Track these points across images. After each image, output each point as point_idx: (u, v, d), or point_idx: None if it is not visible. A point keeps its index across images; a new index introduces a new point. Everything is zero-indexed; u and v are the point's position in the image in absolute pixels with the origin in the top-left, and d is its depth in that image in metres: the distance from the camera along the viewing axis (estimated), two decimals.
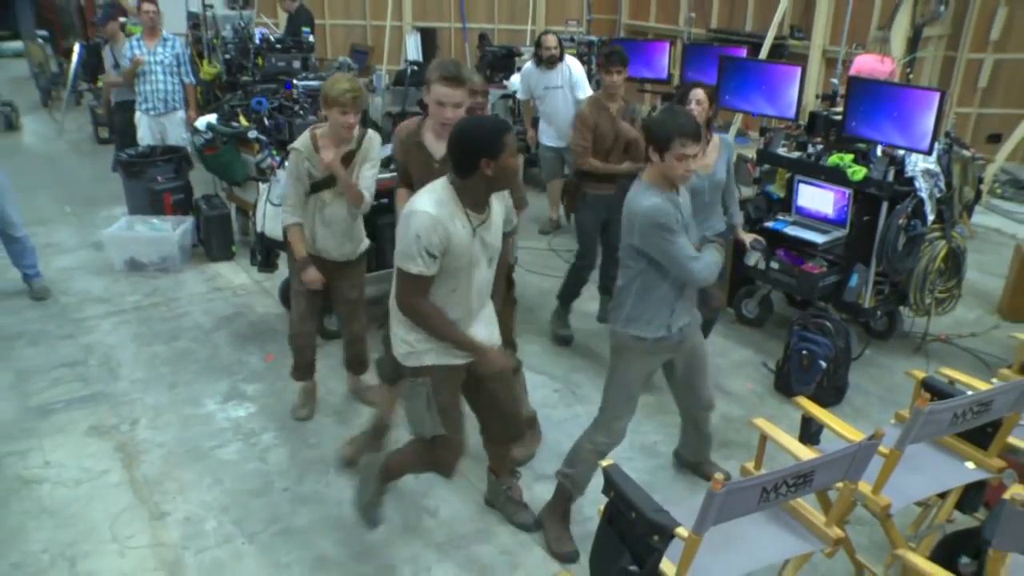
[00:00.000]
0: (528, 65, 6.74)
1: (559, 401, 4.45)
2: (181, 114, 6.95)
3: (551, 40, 6.47)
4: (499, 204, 2.97)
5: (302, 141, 3.77)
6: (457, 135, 2.72)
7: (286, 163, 4.12)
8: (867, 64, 6.57)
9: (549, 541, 3.37)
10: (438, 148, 3.47)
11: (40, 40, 12.75)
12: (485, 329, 3.05)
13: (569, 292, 5.11)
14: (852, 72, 6.31)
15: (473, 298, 2.92)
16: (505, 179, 2.79)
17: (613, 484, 2.48)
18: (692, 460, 3.85)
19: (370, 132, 3.91)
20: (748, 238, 4.48)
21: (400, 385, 3.05)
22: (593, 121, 4.70)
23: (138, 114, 6.88)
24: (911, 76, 7.27)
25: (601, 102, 4.78)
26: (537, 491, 3.69)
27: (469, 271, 2.85)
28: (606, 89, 4.78)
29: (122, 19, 8.52)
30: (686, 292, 3.19)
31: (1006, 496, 2.17)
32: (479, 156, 2.67)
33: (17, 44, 15.08)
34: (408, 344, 2.93)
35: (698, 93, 4.10)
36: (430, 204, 2.70)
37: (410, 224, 2.69)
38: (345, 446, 3.86)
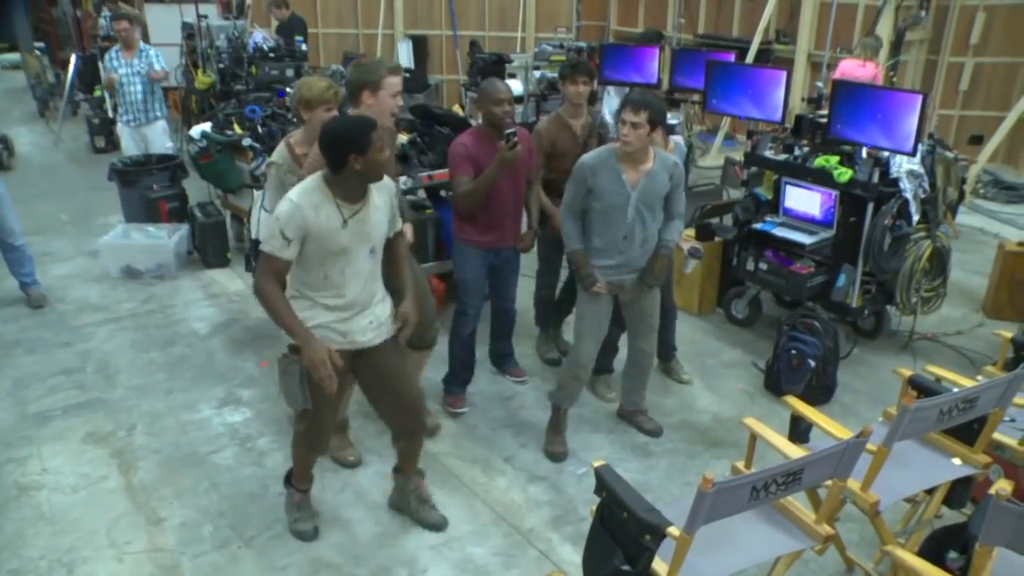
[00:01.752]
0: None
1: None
2: (162, 124, 7.02)
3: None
4: (383, 199, 3.08)
5: (279, 154, 3.67)
6: (325, 133, 2.90)
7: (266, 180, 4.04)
8: (848, 68, 6.66)
9: (544, 444, 4.04)
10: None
11: (37, 52, 12.78)
12: (369, 319, 3.11)
13: (543, 314, 4.97)
14: (836, 76, 6.40)
15: (351, 286, 3.02)
16: (374, 173, 2.94)
17: (605, 484, 2.52)
18: (627, 408, 4.27)
19: None
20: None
21: (279, 361, 3.12)
22: (550, 140, 4.36)
23: (119, 126, 7.01)
24: (894, 79, 7.37)
25: (563, 119, 4.42)
26: (532, 491, 3.75)
27: (343, 259, 2.97)
28: (570, 100, 4.39)
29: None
30: (623, 254, 3.72)
31: (992, 491, 2.21)
32: (347, 152, 2.84)
33: (14, 56, 15.10)
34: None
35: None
36: (295, 193, 2.92)
37: (277, 208, 2.94)
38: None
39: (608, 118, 4.93)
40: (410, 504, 3.55)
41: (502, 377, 4.72)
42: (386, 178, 3.08)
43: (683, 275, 5.33)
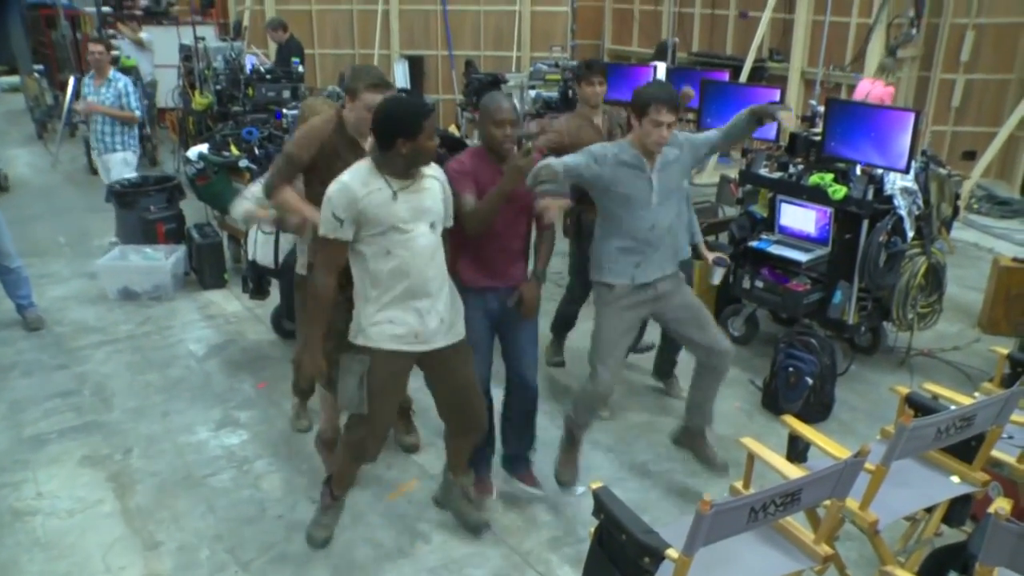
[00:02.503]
0: None
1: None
2: (121, 155, 6.86)
3: None
4: (435, 183, 3.10)
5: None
6: (378, 112, 2.92)
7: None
8: (864, 87, 6.73)
9: (556, 469, 3.80)
10: None
11: (36, 74, 12.82)
12: (439, 319, 3.10)
13: (561, 324, 5.01)
14: (857, 96, 6.47)
15: (418, 265, 3.01)
16: (422, 159, 2.96)
17: (603, 506, 2.51)
18: (692, 425, 3.92)
19: None
20: (711, 256, 4.31)
21: (343, 358, 3.11)
22: (571, 134, 4.32)
23: (94, 154, 7.06)
24: None
25: (583, 114, 4.44)
26: (530, 512, 3.73)
27: (402, 236, 2.96)
28: (587, 101, 4.41)
29: (114, 52, 8.60)
30: (653, 245, 3.46)
31: (991, 510, 2.20)
32: (396, 135, 2.87)
33: (13, 79, 15.15)
34: (356, 320, 3.09)
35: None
36: (345, 174, 2.97)
37: (327, 191, 2.96)
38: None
39: None
40: (454, 501, 3.56)
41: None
42: (434, 167, 3.11)
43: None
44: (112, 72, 6.79)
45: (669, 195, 3.50)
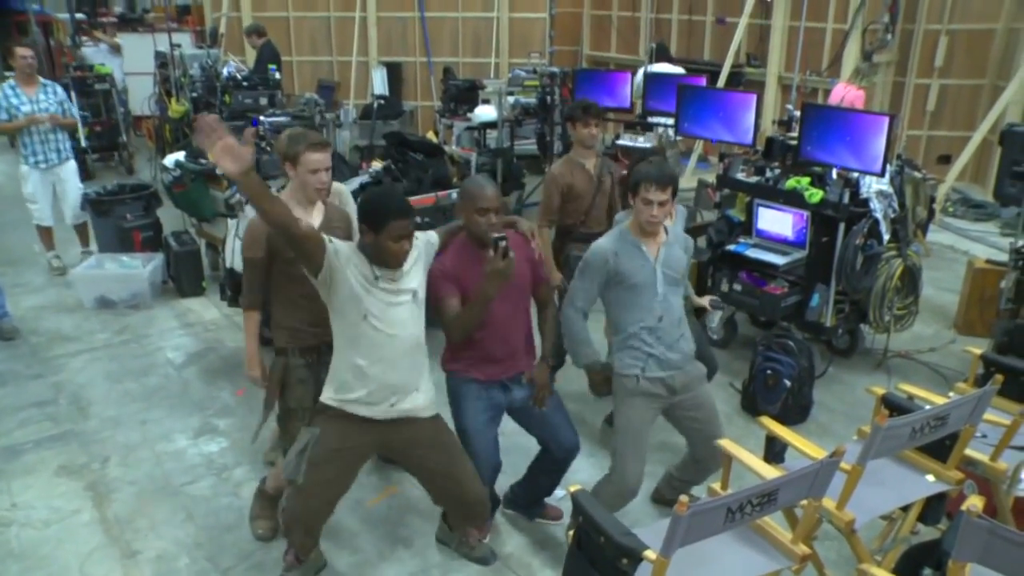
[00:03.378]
0: None
1: None
2: (73, 163, 6.62)
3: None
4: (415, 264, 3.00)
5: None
6: (361, 197, 2.95)
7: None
8: (839, 91, 6.83)
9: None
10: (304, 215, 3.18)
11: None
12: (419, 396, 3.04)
13: (559, 354, 4.66)
14: (832, 100, 6.56)
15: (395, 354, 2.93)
16: (379, 257, 2.85)
17: (581, 508, 2.52)
18: (669, 497, 3.75)
19: (336, 185, 3.72)
20: (706, 300, 4.12)
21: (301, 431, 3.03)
22: (566, 182, 4.35)
23: (25, 168, 6.37)
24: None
25: (575, 160, 4.43)
26: (510, 516, 3.73)
27: (373, 326, 2.87)
28: (583, 143, 4.41)
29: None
30: (662, 339, 3.23)
31: (963, 507, 2.24)
32: (362, 222, 2.85)
33: None
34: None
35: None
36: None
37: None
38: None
39: None
40: (454, 543, 3.48)
41: None
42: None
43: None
44: (42, 79, 6.46)
45: (675, 283, 3.30)
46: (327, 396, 2.99)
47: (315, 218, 3.27)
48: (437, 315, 3.14)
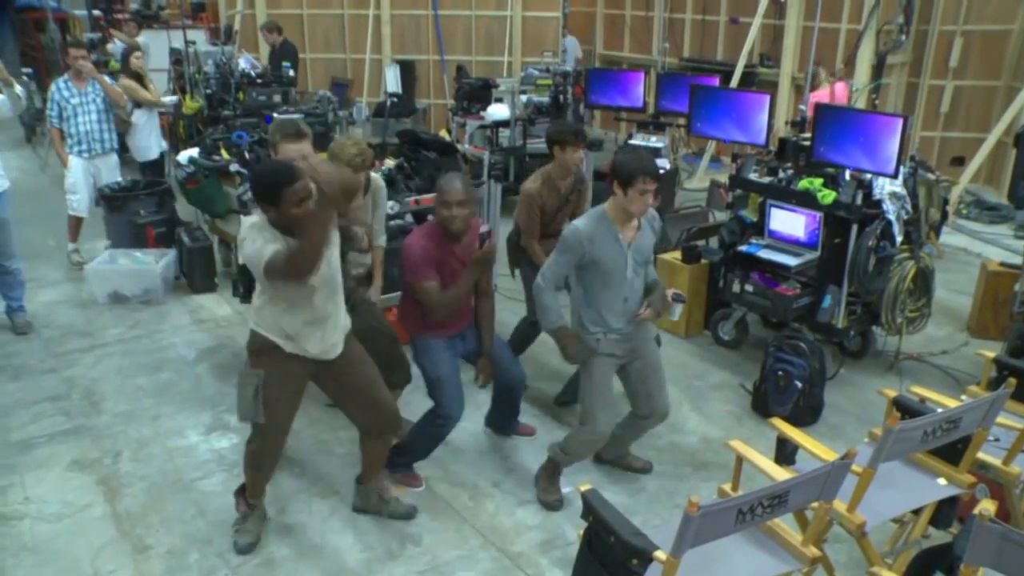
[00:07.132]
0: None
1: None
2: (115, 158, 6.83)
3: None
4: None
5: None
6: (248, 181, 3.05)
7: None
8: (821, 97, 6.80)
9: (538, 492, 3.84)
10: None
11: (25, 77, 12.79)
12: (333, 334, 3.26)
13: (518, 345, 4.79)
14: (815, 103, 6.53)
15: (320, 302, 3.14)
16: (287, 224, 2.96)
17: (592, 509, 2.52)
18: (611, 459, 4.09)
19: (374, 176, 3.99)
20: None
21: (239, 373, 3.28)
22: (542, 202, 4.44)
23: (71, 158, 6.64)
24: (877, 102, 7.46)
25: (553, 181, 4.46)
26: (520, 515, 3.74)
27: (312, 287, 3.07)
28: (564, 167, 4.43)
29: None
30: (624, 315, 3.57)
31: (975, 511, 2.23)
32: (257, 197, 2.95)
33: None
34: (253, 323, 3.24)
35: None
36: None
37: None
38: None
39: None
40: (374, 505, 3.66)
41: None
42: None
43: (671, 322, 5.26)
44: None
45: (642, 266, 3.60)
46: (271, 337, 3.18)
47: None
48: (415, 294, 3.61)
